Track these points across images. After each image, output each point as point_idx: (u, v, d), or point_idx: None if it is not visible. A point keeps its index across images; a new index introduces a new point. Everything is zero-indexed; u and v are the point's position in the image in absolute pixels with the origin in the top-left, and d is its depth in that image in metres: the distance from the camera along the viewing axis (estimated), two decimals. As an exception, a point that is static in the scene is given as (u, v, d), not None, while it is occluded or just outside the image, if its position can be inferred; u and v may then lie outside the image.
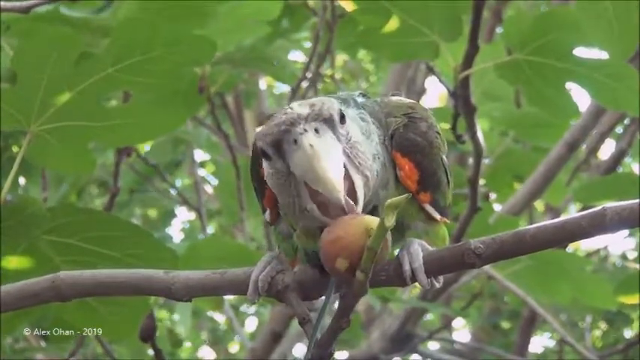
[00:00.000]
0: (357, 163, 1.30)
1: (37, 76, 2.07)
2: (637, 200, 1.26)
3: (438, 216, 1.47)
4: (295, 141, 1.26)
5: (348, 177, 1.27)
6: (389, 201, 1.18)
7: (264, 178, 1.38)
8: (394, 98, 1.51)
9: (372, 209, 1.37)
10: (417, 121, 1.44)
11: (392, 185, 1.40)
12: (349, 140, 1.31)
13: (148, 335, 2.66)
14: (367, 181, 1.30)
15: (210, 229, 5.75)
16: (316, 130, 1.27)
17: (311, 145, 1.24)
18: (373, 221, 1.22)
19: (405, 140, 1.41)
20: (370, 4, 2.59)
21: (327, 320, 1.35)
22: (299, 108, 1.29)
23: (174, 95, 2.28)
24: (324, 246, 1.25)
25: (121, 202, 5.06)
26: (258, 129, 1.33)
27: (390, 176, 1.40)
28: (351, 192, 1.27)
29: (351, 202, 1.26)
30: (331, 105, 1.30)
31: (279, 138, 1.27)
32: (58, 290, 1.49)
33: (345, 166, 1.27)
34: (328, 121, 1.29)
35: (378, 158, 1.36)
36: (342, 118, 1.31)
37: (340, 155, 1.27)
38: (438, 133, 1.48)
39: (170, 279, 1.43)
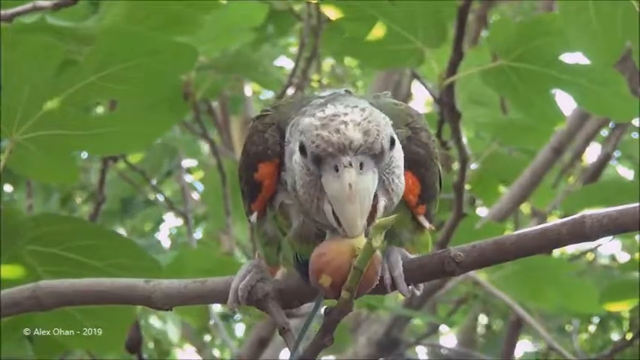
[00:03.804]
0: (390, 189, 1.28)
1: (20, 85, 2.07)
2: (616, 207, 1.26)
3: (428, 225, 1.47)
4: (336, 168, 1.24)
5: (374, 198, 1.26)
6: (377, 222, 1.17)
7: (261, 180, 1.39)
8: (388, 100, 1.49)
9: None
10: (419, 132, 1.42)
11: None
12: (390, 165, 1.29)
13: (134, 345, 2.66)
14: (392, 205, 1.29)
15: (198, 235, 5.74)
16: (361, 165, 1.24)
17: (350, 185, 1.22)
18: (361, 241, 1.21)
19: (409, 154, 1.38)
20: (354, 11, 2.58)
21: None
22: (353, 130, 1.24)
23: (158, 102, 2.27)
24: (312, 260, 1.25)
25: (112, 210, 5.05)
26: (306, 121, 1.28)
27: None
28: (372, 211, 1.25)
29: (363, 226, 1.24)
30: (385, 135, 1.27)
31: (323, 156, 1.24)
32: (38, 299, 1.49)
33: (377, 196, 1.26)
34: (377, 156, 1.26)
35: None
36: (392, 144, 1.29)
37: (372, 192, 1.24)
38: (434, 140, 1.47)
39: (150, 288, 1.43)
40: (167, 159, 5.05)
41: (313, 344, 1.28)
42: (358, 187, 1.22)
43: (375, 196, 1.26)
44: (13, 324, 2.31)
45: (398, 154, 1.31)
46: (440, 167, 1.46)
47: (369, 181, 1.24)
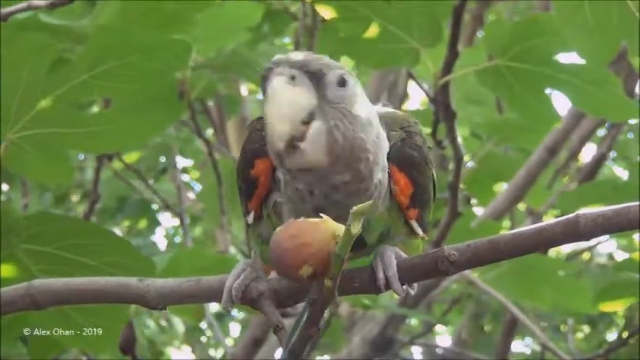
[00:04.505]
0: (333, 124, 1.31)
1: (13, 83, 2.06)
2: (611, 207, 1.26)
3: (421, 233, 1.48)
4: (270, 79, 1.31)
5: (309, 115, 1.31)
6: (355, 208, 1.17)
7: (257, 175, 1.42)
8: (389, 109, 1.52)
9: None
10: (414, 135, 1.45)
11: (386, 198, 1.41)
12: (338, 104, 1.33)
13: (128, 346, 2.65)
14: (335, 142, 1.31)
15: (194, 234, 5.74)
16: (293, 77, 1.30)
17: (275, 89, 1.29)
18: (339, 228, 1.21)
19: (402, 154, 1.42)
20: (349, 11, 2.58)
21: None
22: (295, 54, 1.33)
23: (153, 101, 2.26)
24: (288, 252, 1.22)
25: (108, 209, 5.05)
26: None
27: (386, 189, 1.41)
28: (303, 129, 1.30)
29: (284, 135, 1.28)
30: (327, 64, 1.34)
31: (266, 74, 1.32)
32: (33, 298, 1.49)
33: (314, 119, 1.30)
34: (313, 76, 1.31)
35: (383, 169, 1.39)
36: (342, 82, 1.34)
37: (301, 107, 1.30)
38: (429, 147, 1.49)
39: (144, 287, 1.43)
40: (162, 157, 5.05)
41: (300, 336, 1.28)
42: (282, 93, 1.29)
43: (312, 116, 1.30)
44: (8, 323, 2.30)
45: (360, 109, 1.35)
46: (434, 173, 1.48)
47: (296, 92, 1.30)
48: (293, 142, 1.28)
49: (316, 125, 1.30)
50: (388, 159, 1.40)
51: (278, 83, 1.30)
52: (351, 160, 1.32)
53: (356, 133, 1.33)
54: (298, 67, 1.31)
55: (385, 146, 1.40)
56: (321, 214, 1.25)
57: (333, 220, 1.29)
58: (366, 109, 1.36)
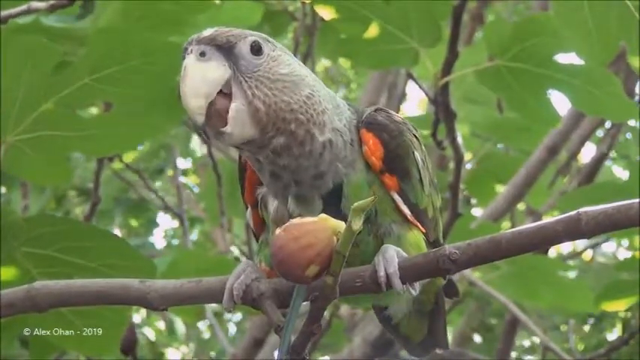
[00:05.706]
0: (251, 94, 1.34)
1: (14, 86, 2.06)
2: (612, 204, 1.26)
3: (407, 210, 1.47)
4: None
5: (228, 93, 1.34)
6: (355, 204, 1.18)
7: (245, 165, 1.46)
8: None
9: (335, 187, 1.41)
10: (391, 114, 1.49)
11: (360, 167, 1.44)
12: (255, 72, 1.36)
13: (129, 347, 2.65)
14: (257, 111, 1.34)
15: (194, 236, 5.74)
16: (202, 54, 1.33)
17: (185, 66, 1.33)
18: (339, 224, 1.21)
19: (371, 119, 1.46)
20: (348, 11, 2.58)
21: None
22: (207, 31, 1.36)
23: (154, 104, 2.27)
24: (294, 254, 1.21)
25: (105, 209, 5.05)
26: None
27: (357, 157, 1.44)
28: (221, 108, 1.33)
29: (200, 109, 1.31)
30: (238, 34, 1.36)
31: (182, 56, 1.36)
32: (33, 300, 1.48)
33: (232, 92, 1.33)
34: (222, 48, 1.34)
35: (342, 136, 1.41)
36: (257, 50, 1.37)
37: (213, 80, 1.33)
38: (417, 138, 1.51)
39: (146, 288, 1.43)
40: (162, 155, 5.05)
41: (302, 333, 1.28)
42: (192, 69, 1.32)
43: (229, 87, 1.33)
44: (7, 323, 2.30)
45: (269, 68, 1.37)
46: (417, 156, 1.49)
47: (206, 67, 1.33)
48: (217, 128, 1.32)
49: (234, 106, 1.33)
50: (359, 125, 1.45)
51: (188, 60, 1.33)
52: (278, 123, 1.36)
53: (277, 97, 1.36)
54: (207, 42, 1.34)
55: (329, 107, 1.42)
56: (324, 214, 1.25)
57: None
58: (289, 70, 1.39)
